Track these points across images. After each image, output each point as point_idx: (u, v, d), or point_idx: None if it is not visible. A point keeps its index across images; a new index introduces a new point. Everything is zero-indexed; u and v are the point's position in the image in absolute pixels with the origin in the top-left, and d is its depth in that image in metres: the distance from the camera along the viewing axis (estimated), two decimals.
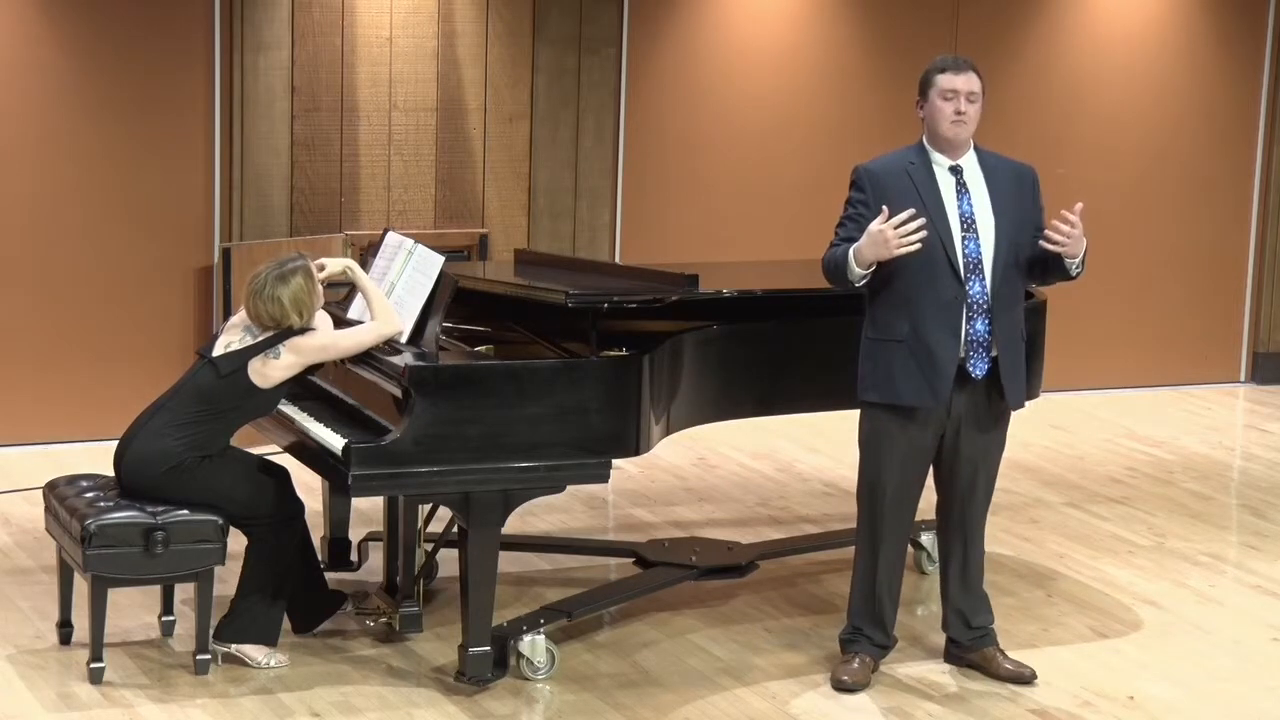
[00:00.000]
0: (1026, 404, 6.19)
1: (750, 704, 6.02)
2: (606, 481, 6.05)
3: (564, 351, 6.15)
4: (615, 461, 6.01)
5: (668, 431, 6.27)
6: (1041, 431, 9.58)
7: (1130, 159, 10.57)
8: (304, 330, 5.99)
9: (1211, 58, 10.63)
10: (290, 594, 6.20)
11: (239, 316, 6.10)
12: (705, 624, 6.70)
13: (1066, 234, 5.88)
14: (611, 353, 6.04)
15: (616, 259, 9.51)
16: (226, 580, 6.75)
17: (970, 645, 6.26)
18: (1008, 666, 6.20)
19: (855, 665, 6.16)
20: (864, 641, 6.19)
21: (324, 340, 6.03)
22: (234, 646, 6.12)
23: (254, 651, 6.13)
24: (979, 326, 5.91)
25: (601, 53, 9.43)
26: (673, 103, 9.65)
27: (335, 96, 8.93)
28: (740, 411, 6.71)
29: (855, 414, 6.94)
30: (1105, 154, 10.51)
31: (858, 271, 5.83)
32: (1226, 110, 10.71)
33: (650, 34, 9.54)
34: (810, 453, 9.07)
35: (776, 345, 6.61)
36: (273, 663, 6.13)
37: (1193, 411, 10.33)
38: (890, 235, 5.75)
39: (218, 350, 6.03)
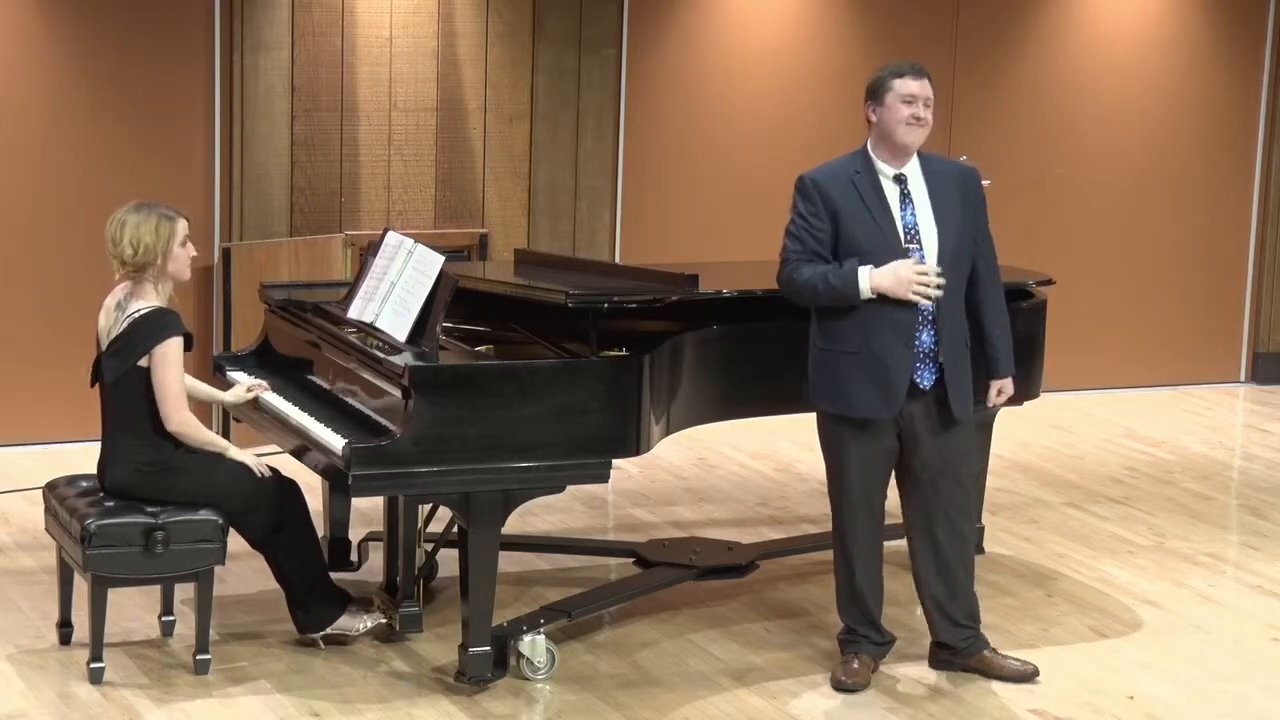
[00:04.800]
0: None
1: (750, 704, 6.02)
2: (606, 481, 6.05)
3: (564, 351, 6.15)
4: (615, 461, 6.01)
5: (668, 431, 6.27)
6: (1041, 431, 9.58)
7: (1130, 159, 10.57)
8: (162, 329, 5.96)
9: (1211, 58, 10.63)
10: (297, 593, 6.21)
11: (107, 302, 6.13)
12: (705, 624, 6.70)
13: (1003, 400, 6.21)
14: (611, 353, 6.04)
15: (616, 259, 9.51)
16: (226, 580, 6.76)
17: (963, 649, 6.20)
18: (1010, 665, 6.17)
19: (855, 665, 6.16)
20: (862, 641, 6.19)
21: (167, 368, 5.97)
22: (325, 632, 6.21)
23: (344, 624, 6.22)
24: (925, 337, 5.93)
25: (601, 53, 9.43)
26: (673, 103, 9.65)
27: (335, 96, 8.93)
28: (740, 411, 6.71)
29: None
30: (1105, 154, 10.51)
31: (867, 294, 5.83)
32: (1226, 110, 10.72)
33: (650, 34, 9.54)
34: (810, 453, 9.03)
35: (776, 345, 6.60)
36: (368, 622, 6.24)
37: (1193, 411, 10.33)
38: (913, 279, 5.80)
39: (103, 342, 6.06)
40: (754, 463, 8.93)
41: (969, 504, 6.20)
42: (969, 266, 6.02)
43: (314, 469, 6.14)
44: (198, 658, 6.05)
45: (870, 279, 5.82)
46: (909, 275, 5.82)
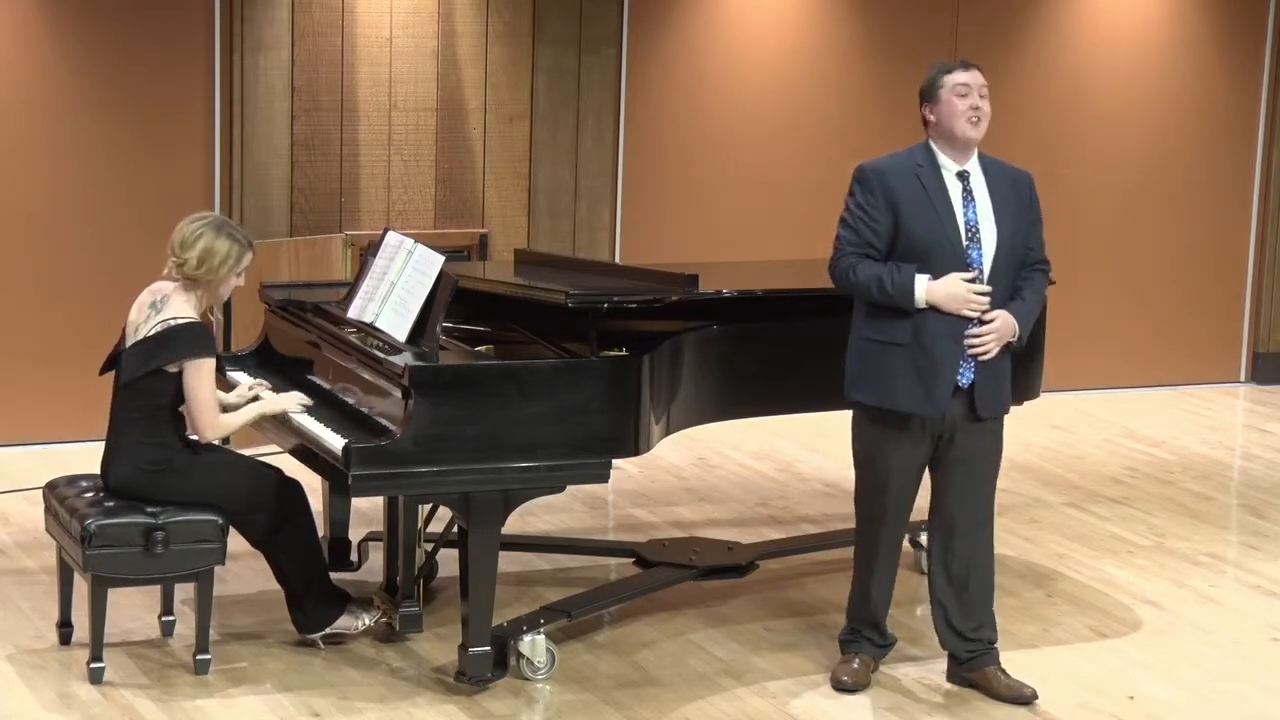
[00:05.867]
0: (1025, 404, 6.14)
1: (750, 704, 6.02)
2: (606, 481, 6.05)
3: (564, 351, 6.15)
4: (615, 461, 6.01)
5: (668, 431, 6.27)
6: (1041, 431, 9.58)
7: (1130, 159, 10.57)
8: (199, 346, 5.97)
9: (1211, 58, 10.63)
10: (296, 593, 6.21)
11: (142, 297, 6.13)
12: (705, 624, 6.70)
13: (981, 345, 5.82)
14: (611, 353, 6.04)
15: (616, 259, 9.51)
16: (226, 580, 6.76)
17: (968, 661, 6.14)
18: (1009, 686, 6.07)
19: (855, 665, 6.15)
20: (863, 642, 6.18)
21: (202, 382, 5.98)
22: (324, 632, 6.22)
23: (343, 625, 6.23)
24: None
25: (601, 53, 9.43)
26: (673, 103, 9.65)
27: (335, 96, 8.93)
28: (740, 411, 6.71)
29: None
30: (1105, 154, 10.51)
31: (922, 305, 5.77)
32: (1226, 110, 10.72)
33: (650, 34, 9.54)
34: (810, 453, 9.06)
35: (776, 345, 6.61)
36: (367, 620, 6.26)
37: (1193, 411, 10.33)
38: (968, 298, 5.76)
39: (129, 337, 6.06)
40: (754, 463, 8.93)
41: (990, 515, 6.11)
42: (1018, 269, 5.95)
43: (314, 468, 6.14)
44: (198, 658, 6.05)
45: (926, 292, 5.76)
46: (964, 292, 5.75)
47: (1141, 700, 6.15)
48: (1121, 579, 7.37)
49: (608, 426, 5.93)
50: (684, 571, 6.88)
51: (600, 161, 9.50)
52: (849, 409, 6.20)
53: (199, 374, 5.96)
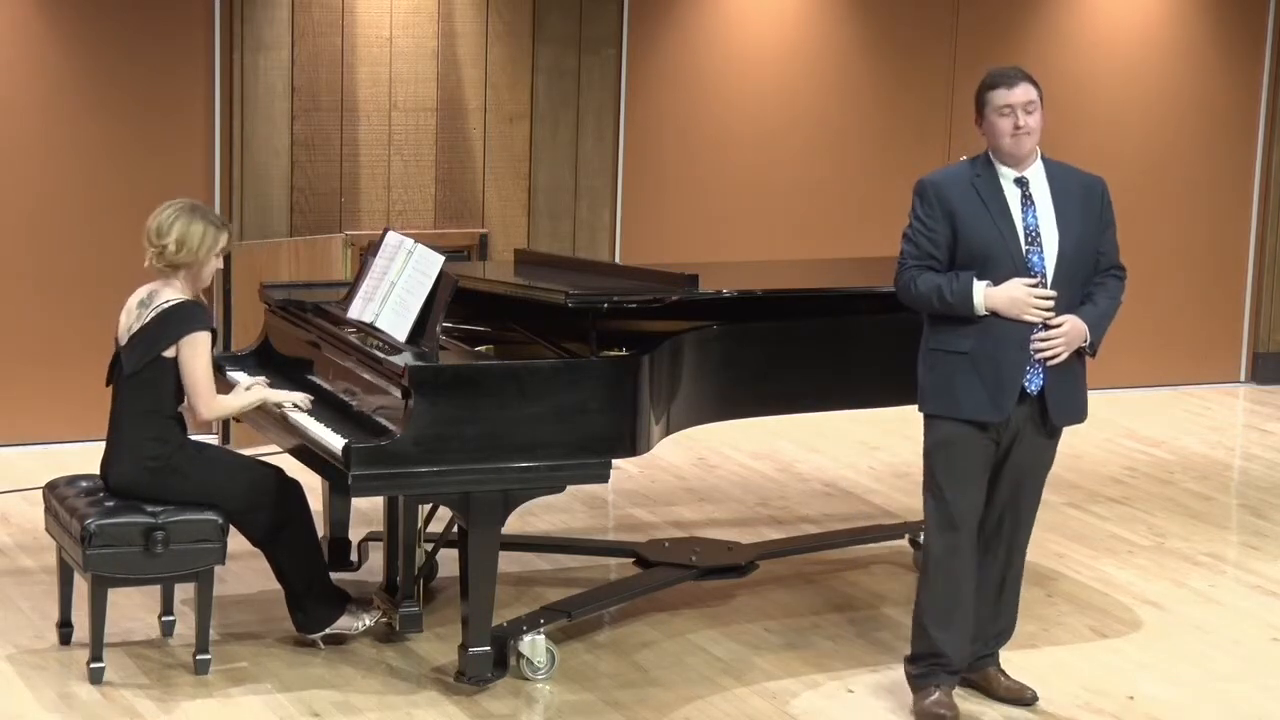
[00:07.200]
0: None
1: (750, 704, 6.02)
2: (606, 481, 6.05)
3: (564, 351, 6.15)
4: (615, 461, 6.01)
5: (668, 431, 6.27)
6: None
7: (1130, 159, 10.57)
8: (193, 321, 5.98)
9: (1211, 58, 10.63)
10: (296, 593, 6.21)
11: (129, 302, 6.13)
12: (705, 624, 6.70)
13: (1049, 349, 5.74)
14: (611, 353, 6.04)
15: (616, 259, 9.51)
16: (226, 580, 6.76)
17: (972, 665, 6.07)
18: (1010, 686, 6.04)
19: (941, 695, 5.89)
20: (938, 670, 5.91)
21: (197, 357, 5.98)
22: (324, 632, 6.23)
23: (343, 625, 6.24)
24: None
25: (601, 53, 9.43)
26: (673, 103, 9.65)
27: (335, 96, 8.93)
28: (740, 411, 6.71)
29: (855, 414, 6.95)
30: (1105, 154, 10.50)
31: (982, 311, 5.71)
32: (1226, 110, 10.72)
33: (650, 34, 9.54)
34: (810, 453, 9.06)
35: (776, 345, 6.60)
36: (367, 620, 6.27)
37: (1193, 411, 10.33)
38: (1030, 302, 5.69)
39: (123, 339, 6.07)
40: (754, 463, 8.93)
41: (1033, 522, 6.02)
42: (1087, 274, 5.88)
43: (314, 468, 6.14)
44: (198, 658, 6.05)
45: (986, 298, 5.69)
46: (1024, 297, 5.68)
47: (1141, 700, 6.15)
48: (1121, 579, 7.37)
49: (608, 426, 5.93)
50: (684, 571, 6.88)
51: (600, 161, 9.50)
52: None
53: (194, 348, 5.96)
